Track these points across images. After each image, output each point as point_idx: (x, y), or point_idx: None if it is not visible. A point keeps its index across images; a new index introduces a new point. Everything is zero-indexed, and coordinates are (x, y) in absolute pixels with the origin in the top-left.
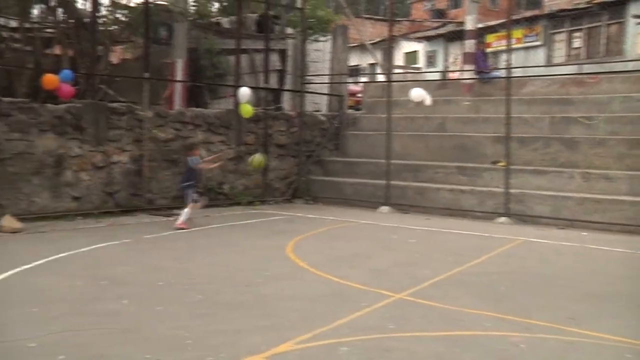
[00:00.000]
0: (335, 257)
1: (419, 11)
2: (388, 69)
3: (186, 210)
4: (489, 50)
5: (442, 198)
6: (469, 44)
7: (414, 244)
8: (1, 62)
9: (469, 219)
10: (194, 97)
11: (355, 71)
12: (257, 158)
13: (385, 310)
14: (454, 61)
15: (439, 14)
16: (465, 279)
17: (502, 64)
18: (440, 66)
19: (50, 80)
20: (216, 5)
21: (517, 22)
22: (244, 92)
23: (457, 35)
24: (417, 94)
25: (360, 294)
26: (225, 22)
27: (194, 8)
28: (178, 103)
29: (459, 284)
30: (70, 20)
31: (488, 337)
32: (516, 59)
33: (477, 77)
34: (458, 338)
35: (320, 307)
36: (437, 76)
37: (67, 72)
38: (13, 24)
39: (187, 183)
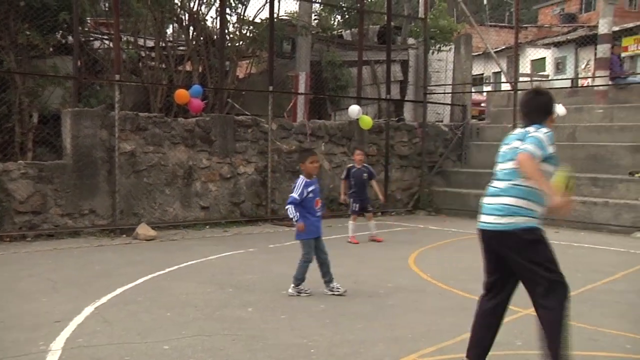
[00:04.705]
0: (459, 270)
1: (547, 16)
2: (513, 77)
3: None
4: (625, 54)
5: (572, 210)
6: (603, 49)
7: None
8: (139, 79)
9: (603, 232)
10: (316, 109)
11: (478, 80)
12: None
13: (513, 326)
14: (585, 67)
15: (570, 18)
16: (599, 296)
17: None
18: (570, 73)
19: (181, 95)
20: (338, 18)
21: None
22: (353, 109)
23: (589, 40)
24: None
25: None
26: (347, 34)
27: (316, 22)
28: (301, 115)
29: (592, 302)
30: (201, 38)
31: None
32: None
33: (612, 83)
34: (593, 359)
35: (445, 321)
36: (566, 83)
37: (197, 87)
38: (150, 43)
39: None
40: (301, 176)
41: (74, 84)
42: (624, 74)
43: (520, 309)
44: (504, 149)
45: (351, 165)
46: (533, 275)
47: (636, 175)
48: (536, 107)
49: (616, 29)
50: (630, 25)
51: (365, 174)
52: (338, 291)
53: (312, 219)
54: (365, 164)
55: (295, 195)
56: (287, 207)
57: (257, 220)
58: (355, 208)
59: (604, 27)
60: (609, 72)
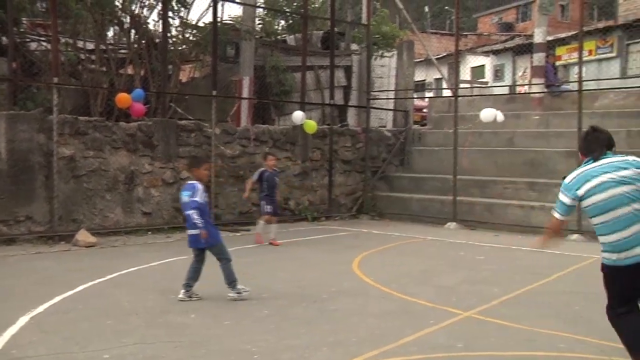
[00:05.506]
0: (402, 274)
1: (485, 25)
2: (454, 83)
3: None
4: (559, 63)
5: (511, 214)
6: (538, 57)
7: (482, 261)
8: (78, 82)
9: (540, 235)
10: (260, 113)
11: (420, 86)
12: None
13: (453, 329)
14: (522, 75)
15: (507, 27)
16: (536, 297)
17: (574, 77)
18: (508, 80)
19: (123, 99)
20: (282, 23)
21: (590, 34)
22: (297, 115)
23: (525, 49)
24: (488, 114)
25: (428, 312)
26: (291, 39)
27: (260, 26)
28: (245, 120)
29: (529, 303)
30: (142, 41)
31: (562, 358)
32: (589, 71)
33: (547, 90)
34: (530, 359)
35: (387, 324)
36: (505, 90)
37: (139, 91)
38: (90, 46)
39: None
40: (196, 182)
41: (8, 86)
42: (558, 82)
43: (461, 311)
44: (619, 174)
45: (264, 169)
46: None
47: None
48: (605, 141)
49: (550, 38)
50: (563, 35)
51: (276, 178)
52: (197, 297)
53: (210, 222)
54: (275, 169)
55: (199, 199)
56: (190, 212)
57: None
58: (268, 209)
59: (539, 37)
60: (544, 80)
